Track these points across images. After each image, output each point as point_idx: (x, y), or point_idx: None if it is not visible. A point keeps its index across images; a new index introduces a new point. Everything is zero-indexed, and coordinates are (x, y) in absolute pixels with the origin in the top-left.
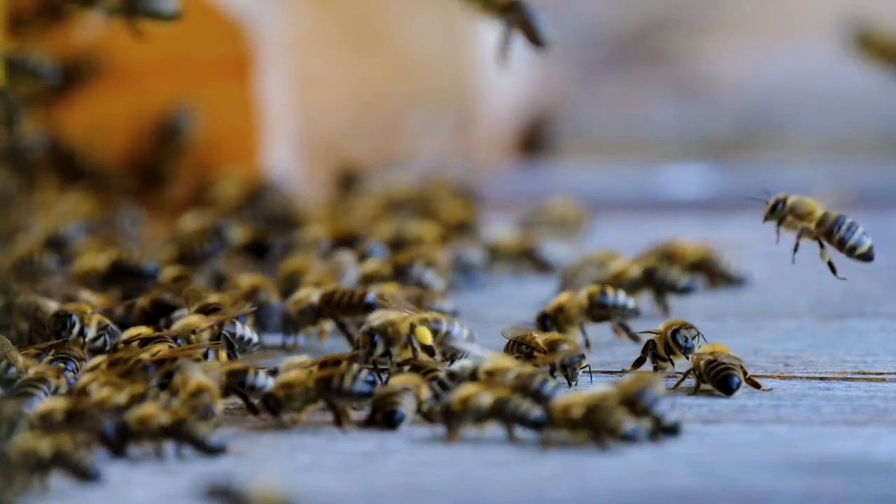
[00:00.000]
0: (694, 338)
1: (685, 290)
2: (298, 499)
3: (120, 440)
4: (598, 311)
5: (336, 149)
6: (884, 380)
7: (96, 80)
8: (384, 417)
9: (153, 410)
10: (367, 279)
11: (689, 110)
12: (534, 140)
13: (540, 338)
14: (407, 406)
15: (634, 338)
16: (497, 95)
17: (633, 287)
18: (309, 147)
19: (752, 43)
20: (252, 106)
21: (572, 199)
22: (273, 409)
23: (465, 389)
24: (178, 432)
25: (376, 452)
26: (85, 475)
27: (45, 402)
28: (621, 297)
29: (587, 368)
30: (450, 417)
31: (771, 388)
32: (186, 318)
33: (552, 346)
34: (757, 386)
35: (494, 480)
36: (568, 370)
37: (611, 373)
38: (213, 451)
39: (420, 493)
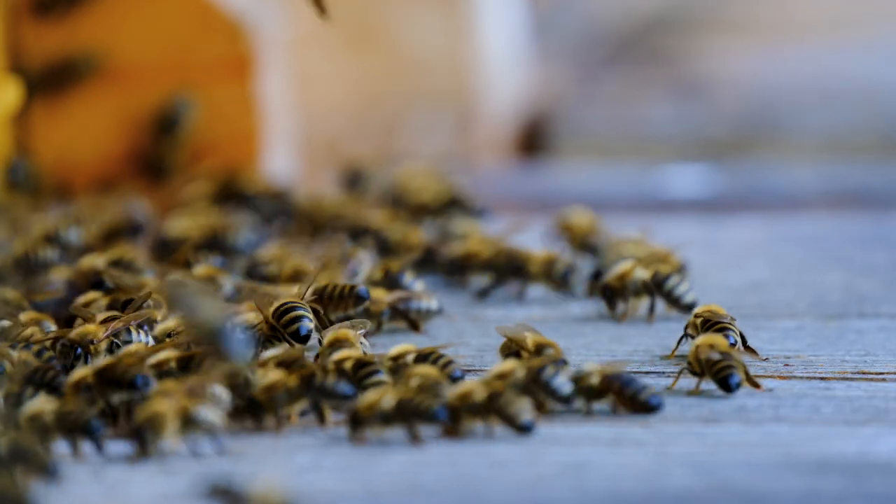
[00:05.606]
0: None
1: (688, 307)
2: (298, 499)
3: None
4: (656, 290)
5: (336, 148)
6: (884, 380)
7: (93, 80)
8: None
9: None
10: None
11: (689, 110)
12: (534, 140)
13: (530, 339)
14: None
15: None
16: (497, 95)
17: (636, 290)
18: (309, 147)
19: (753, 43)
20: (252, 106)
21: None
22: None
23: (371, 395)
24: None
25: (376, 452)
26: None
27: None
28: (681, 288)
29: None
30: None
31: (771, 388)
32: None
33: (539, 350)
34: (757, 386)
35: (495, 480)
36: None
37: None
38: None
39: (420, 493)
